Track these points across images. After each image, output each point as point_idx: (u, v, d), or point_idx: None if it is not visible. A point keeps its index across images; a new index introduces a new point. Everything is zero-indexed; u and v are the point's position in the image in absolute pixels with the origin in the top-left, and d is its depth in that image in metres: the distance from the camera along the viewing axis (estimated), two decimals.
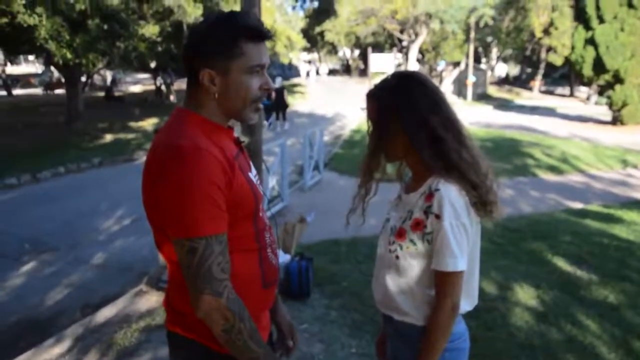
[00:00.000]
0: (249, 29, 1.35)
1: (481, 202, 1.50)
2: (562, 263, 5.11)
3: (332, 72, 51.32)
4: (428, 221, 1.47)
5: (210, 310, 1.27)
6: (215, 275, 1.26)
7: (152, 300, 4.20)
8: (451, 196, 1.44)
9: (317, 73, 45.15)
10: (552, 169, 11.30)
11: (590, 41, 18.65)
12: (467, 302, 1.59)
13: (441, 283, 1.48)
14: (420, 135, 1.49)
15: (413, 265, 1.53)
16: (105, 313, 4.07)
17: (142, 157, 11.80)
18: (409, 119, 1.50)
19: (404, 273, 1.55)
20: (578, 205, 8.25)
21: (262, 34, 1.38)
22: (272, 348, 1.63)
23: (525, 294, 4.33)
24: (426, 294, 1.54)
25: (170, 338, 1.50)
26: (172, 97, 22.95)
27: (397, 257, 1.55)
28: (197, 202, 1.24)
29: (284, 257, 4.38)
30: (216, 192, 1.26)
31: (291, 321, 1.75)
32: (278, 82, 17.83)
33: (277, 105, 16.70)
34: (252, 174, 1.48)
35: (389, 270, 1.60)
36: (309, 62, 48.74)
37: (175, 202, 1.24)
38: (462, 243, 1.45)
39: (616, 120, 19.42)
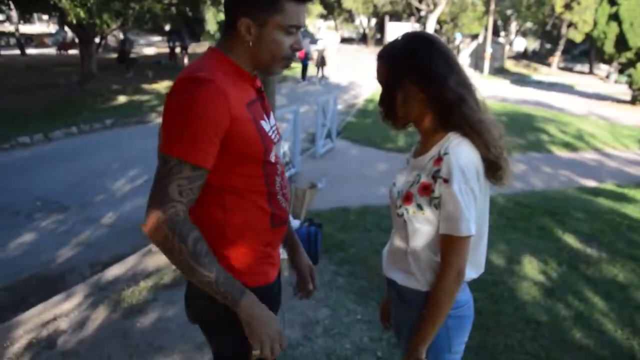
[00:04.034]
0: None
1: (493, 166, 1.47)
2: (572, 240, 5.08)
3: (347, 40, 50.49)
4: (436, 185, 1.44)
5: (152, 225, 1.27)
6: (169, 193, 1.27)
7: (160, 260, 4.22)
8: (460, 160, 1.41)
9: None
10: (567, 145, 11.16)
11: (614, 17, 18.21)
12: (473, 270, 1.57)
13: (448, 248, 1.46)
14: (439, 94, 1.45)
15: (419, 230, 1.50)
16: (114, 271, 4.12)
17: (154, 119, 11.78)
18: (425, 79, 1.45)
19: (410, 237, 1.53)
20: (591, 183, 8.17)
21: None
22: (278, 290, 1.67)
23: (534, 269, 4.31)
24: (431, 259, 1.52)
25: None
26: (185, 60, 22.79)
27: (404, 221, 1.52)
28: (188, 124, 1.27)
29: (293, 223, 4.37)
30: (212, 124, 1.29)
31: (311, 265, 1.80)
32: (320, 44, 22.16)
33: (319, 63, 20.38)
34: (268, 123, 1.51)
35: (396, 233, 1.59)
36: (319, 29, 47.71)
37: (171, 119, 1.30)
38: (470, 207, 1.42)
39: (636, 100, 19.09)
